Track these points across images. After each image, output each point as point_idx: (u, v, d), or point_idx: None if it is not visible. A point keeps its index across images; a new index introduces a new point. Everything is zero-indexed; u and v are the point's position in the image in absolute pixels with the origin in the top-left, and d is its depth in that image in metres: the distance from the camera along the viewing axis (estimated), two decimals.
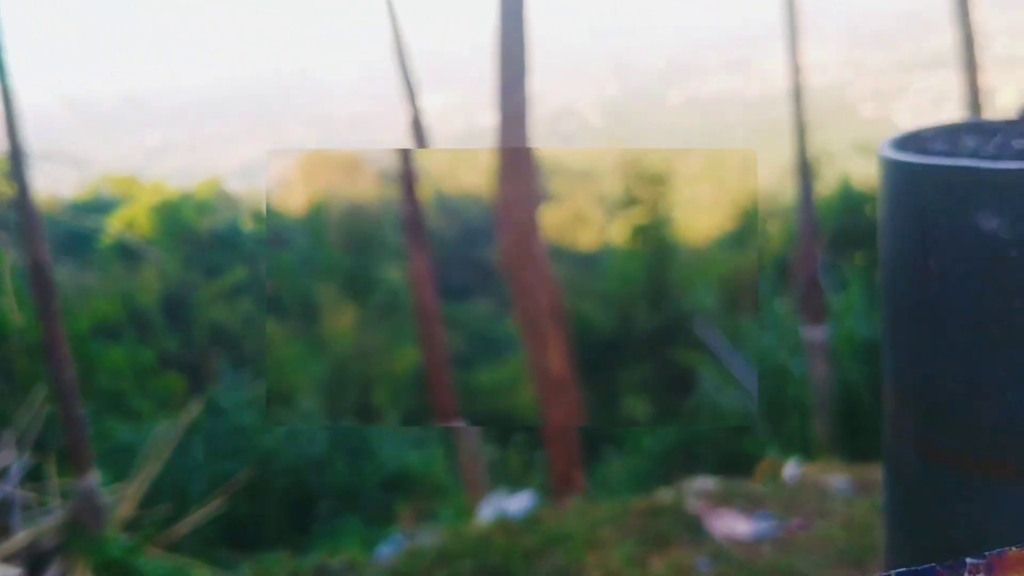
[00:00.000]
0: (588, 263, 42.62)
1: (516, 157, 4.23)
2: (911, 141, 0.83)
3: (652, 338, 23.07)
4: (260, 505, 9.69)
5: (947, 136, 0.82)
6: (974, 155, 0.74)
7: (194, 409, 10.31)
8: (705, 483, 4.80)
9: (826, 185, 25.03)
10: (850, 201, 24.35)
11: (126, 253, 18.30)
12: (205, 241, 35.90)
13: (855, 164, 26.88)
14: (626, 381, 22.86)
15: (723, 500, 4.58)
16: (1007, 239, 0.66)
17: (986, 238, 0.67)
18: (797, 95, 10.89)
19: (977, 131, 0.82)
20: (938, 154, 0.76)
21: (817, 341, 10.58)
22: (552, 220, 40.30)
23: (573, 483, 5.19)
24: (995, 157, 0.73)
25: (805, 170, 11.27)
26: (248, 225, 42.84)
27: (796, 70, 10.65)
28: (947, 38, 9.43)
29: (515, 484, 8.10)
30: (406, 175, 8.30)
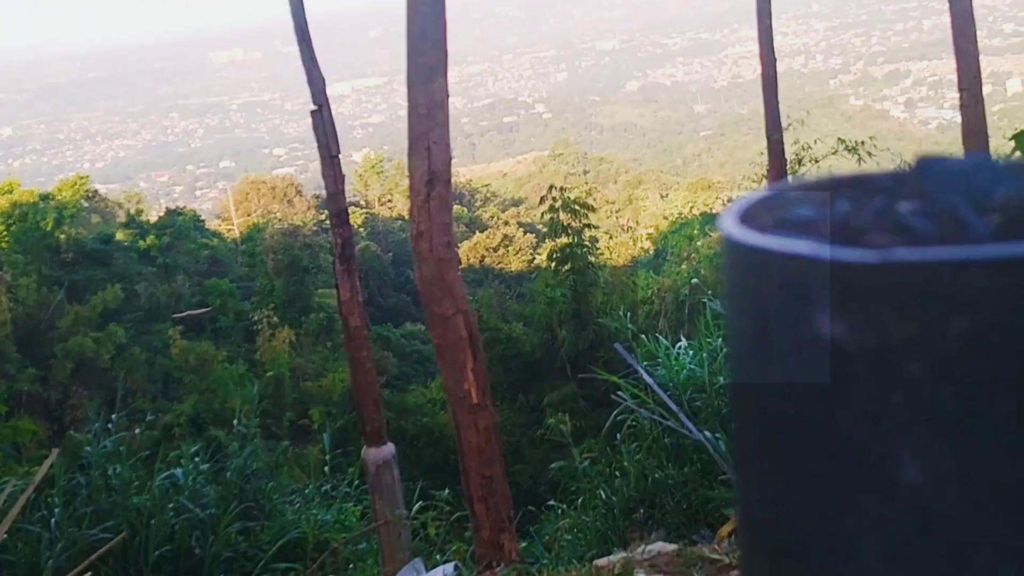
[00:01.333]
0: (515, 286, 43.65)
1: (432, 183, 4.66)
2: (767, 205, 0.72)
3: (575, 358, 24.00)
4: None
5: (818, 196, 0.72)
6: (842, 225, 0.65)
7: (51, 460, 10.03)
8: (663, 548, 4.78)
9: None
10: None
11: None
12: (69, 255, 35.34)
13: (841, 161, 27.42)
14: (551, 400, 23.82)
15: (682, 570, 4.55)
16: (854, 352, 0.59)
17: (830, 349, 0.60)
18: (771, 85, 11.03)
19: (858, 188, 0.72)
20: (791, 227, 0.66)
21: None
22: (482, 245, 41.08)
23: (503, 551, 5.32)
24: (863, 231, 0.63)
25: (779, 168, 11.42)
26: (124, 236, 42.24)
27: (770, 55, 10.79)
28: (946, 20, 9.64)
29: (440, 551, 8.05)
30: (336, 200, 8.63)
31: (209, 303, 37.51)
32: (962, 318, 0.56)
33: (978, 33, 9.03)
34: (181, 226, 46.03)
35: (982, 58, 9.10)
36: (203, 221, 54.53)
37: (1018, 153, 12.70)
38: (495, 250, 51.19)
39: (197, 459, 12.09)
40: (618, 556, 6.39)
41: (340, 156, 8.87)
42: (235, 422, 13.20)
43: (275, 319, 33.73)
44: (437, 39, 4.91)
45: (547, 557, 8.80)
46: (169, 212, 50.33)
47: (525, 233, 53.17)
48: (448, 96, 5.03)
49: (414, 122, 4.89)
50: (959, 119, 8.84)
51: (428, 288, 4.96)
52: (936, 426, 0.58)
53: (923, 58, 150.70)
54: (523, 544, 9.35)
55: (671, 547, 5.05)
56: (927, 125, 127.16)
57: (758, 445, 0.69)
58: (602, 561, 6.65)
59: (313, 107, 8.62)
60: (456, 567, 5.92)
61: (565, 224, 26.63)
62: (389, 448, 8.68)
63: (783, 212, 0.68)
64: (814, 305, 0.58)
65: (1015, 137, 12.67)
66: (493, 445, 5.19)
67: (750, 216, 0.69)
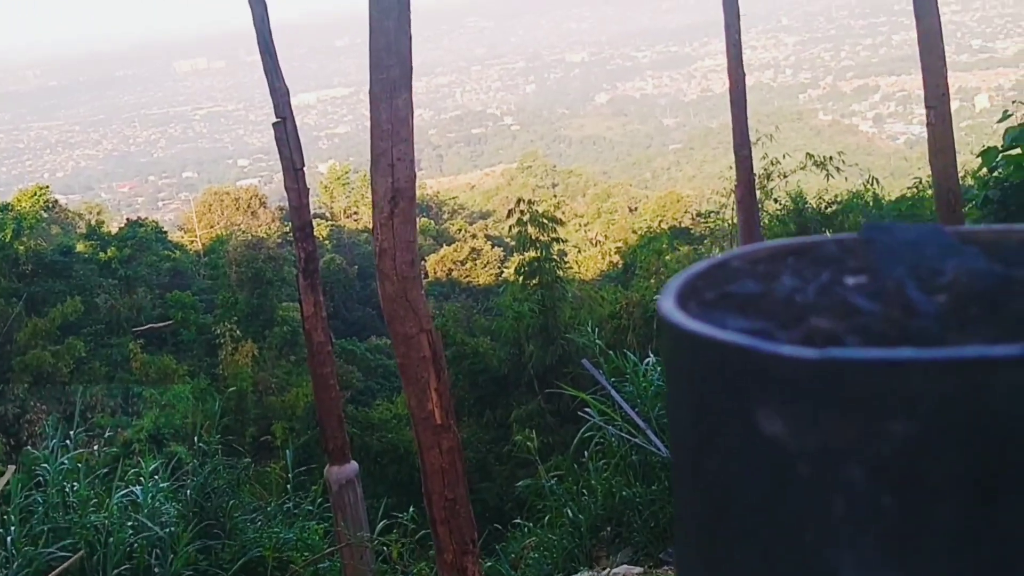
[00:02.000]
0: (483, 300, 43.74)
1: (396, 200, 4.66)
2: (711, 276, 0.69)
3: (542, 373, 24.06)
4: None
5: (764, 268, 0.69)
6: (786, 303, 0.62)
7: (7, 477, 9.91)
8: (628, 570, 4.78)
9: (777, 201, 25.76)
10: (804, 221, 25.10)
11: None
12: (28, 267, 34.99)
13: (810, 177, 27.61)
14: (518, 415, 23.86)
15: None
16: (793, 452, 0.57)
17: (770, 445, 0.58)
18: (739, 100, 11.10)
19: (804, 259, 0.69)
20: (734, 304, 0.64)
21: None
22: (450, 258, 41.15)
23: (466, 574, 5.30)
24: (808, 311, 0.61)
25: (747, 185, 11.49)
26: (84, 247, 41.93)
27: (739, 70, 10.85)
28: (915, 35, 9.72)
29: (403, 574, 8.02)
30: (300, 214, 8.60)
31: (170, 316, 37.23)
32: (904, 422, 0.54)
33: (946, 49, 9.12)
34: (143, 238, 45.64)
35: (950, 74, 9.18)
36: (165, 233, 54.10)
37: (984, 169, 12.80)
38: (462, 263, 51.17)
39: (157, 476, 11.99)
40: (585, 575, 6.38)
41: (305, 168, 8.85)
42: (196, 439, 13.11)
43: (238, 333, 33.52)
44: (401, 53, 4.89)
45: None
46: (130, 223, 49.87)
47: (493, 246, 53.18)
48: (412, 112, 5.01)
49: (377, 138, 4.88)
50: (927, 135, 8.91)
51: (391, 306, 4.94)
52: (879, 534, 0.56)
53: (892, 73, 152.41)
54: (488, 563, 9.32)
55: (636, 570, 5.04)
56: (895, 140, 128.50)
57: (698, 525, 0.65)
58: None
59: (276, 119, 8.59)
60: None
61: (533, 238, 26.67)
62: (352, 467, 8.64)
63: (727, 286, 0.65)
64: (752, 399, 0.55)
65: (982, 154, 12.78)
66: (457, 466, 5.18)
67: (693, 289, 0.66)
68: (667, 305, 0.65)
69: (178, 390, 28.39)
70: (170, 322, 37.02)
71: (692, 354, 0.61)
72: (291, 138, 8.50)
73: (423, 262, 50.86)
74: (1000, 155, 15.32)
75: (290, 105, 8.54)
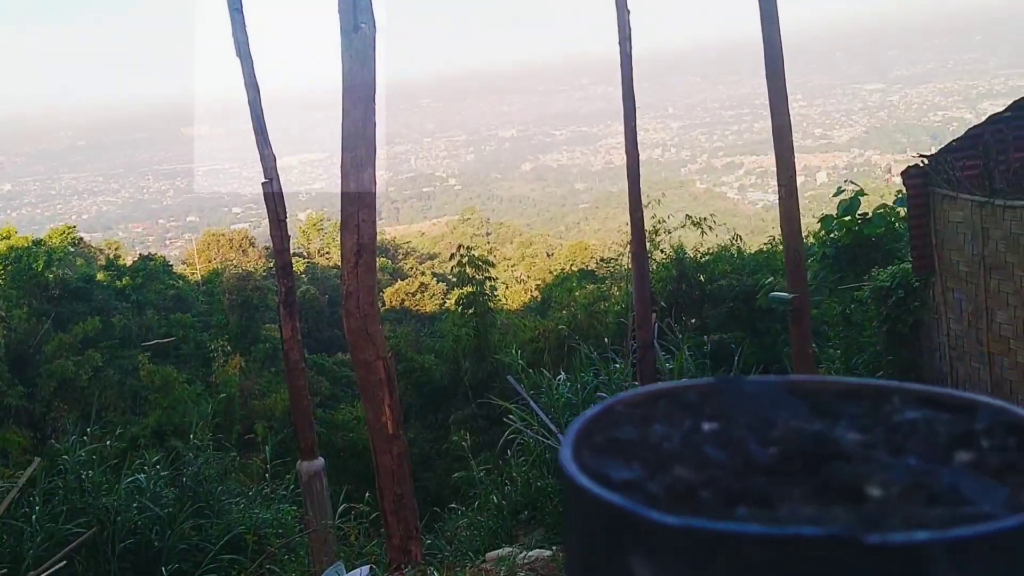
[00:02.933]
0: (429, 324, 43.46)
1: (360, 253, 4.69)
2: (599, 422, 0.69)
3: (476, 385, 23.97)
4: (102, 566, 9.07)
5: (641, 413, 0.69)
6: (657, 450, 0.62)
7: (34, 466, 9.60)
8: (540, 553, 4.73)
9: (663, 252, 26.02)
10: (683, 268, 25.40)
11: None
12: (56, 291, 34.03)
13: (689, 233, 27.98)
14: (455, 419, 23.70)
15: (556, 573, 4.52)
16: None
17: None
18: (634, 172, 11.26)
19: (673, 404, 0.69)
20: (616, 453, 0.63)
21: None
22: (403, 290, 40.75)
23: (410, 555, 5.26)
24: (673, 460, 0.61)
25: (640, 241, 11.63)
26: (103, 276, 40.93)
27: (634, 150, 11.02)
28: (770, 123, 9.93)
29: (358, 554, 7.92)
30: (282, 256, 8.55)
31: (173, 334, 36.56)
32: None
33: (794, 137, 9.35)
34: (152, 269, 44.91)
35: (797, 155, 9.39)
36: (171, 266, 53.08)
37: (823, 232, 13.05)
38: (413, 295, 50.97)
39: (158, 466, 11.69)
40: (506, 550, 6.34)
41: (287, 218, 8.77)
42: (191, 435, 12.83)
43: (228, 348, 32.97)
44: (367, 136, 4.91)
45: (448, 550, 8.70)
46: (142, 258, 49.03)
47: (438, 282, 53.05)
48: (375, 183, 5.03)
49: (346, 203, 4.89)
50: (779, 207, 9.10)
51: (354, 338, 4.96)
52: None
53: (753, 153, 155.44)
54: (429, 540, 9.23)
55: (547, 552, 5.02)
56: (755, 205, 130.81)
57: None
58: (492, 554, 6.59)
59: (265, 180, 8.52)
60: (371, 569, 5.82)
61: (470, 276, 26.62)
62: (319, 461, 8.55)
63: (613, 431, 0.65)
64: (627, 548, 0.55)
65: (821, 220, 13.08)
66: (404, 468, 5.16)
67: (587, 434, 0.65)
68: (565, 454, 0.64)
69: (178, 394, 27.86)
70: (173, 339, 36.36)
71: (582, 504, 0.60)
72: (276, 195, 8.44)
73: (381, 293, 50.76)
74: (835, 221, 15.73)
75: (276, 168, 8.49)
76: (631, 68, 10.06)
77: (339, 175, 5.44)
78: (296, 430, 8.86)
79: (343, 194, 4.96)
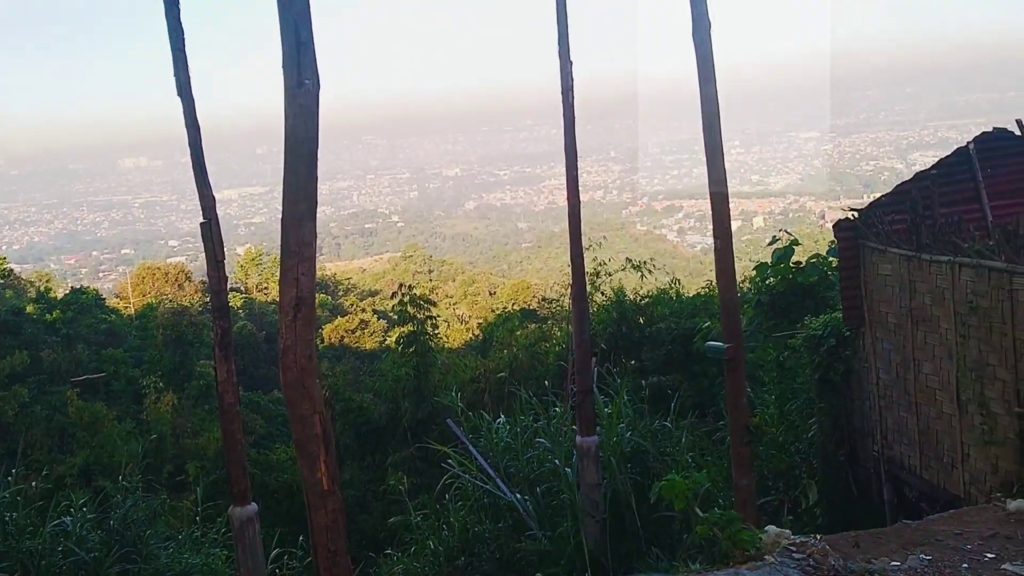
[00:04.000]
0: (369, 362, 42.81)
1: (299, 307, 4.70)
2: None
3: (415, 425, 23.76)
4: None
5: None
6: None
7: None
8: None
9: (603, 294, 26.25)
10: (623, 311, 25.66)
11: None
12: None
13: (629, 275, 28.33)
14: (393, 460, 23.44)
15: None
16: None
17: None
18: (575, 219, 11.37)
19: None
20: None
21: (589, 448, 10.92)
22: (342, 327, 40.27)
23: None
24: None
25: (580, 286, 11.73)
26: (33, 309, 39.84)
27: (575, 198, 11.15)
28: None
29: None
30: (218, 297, 8.44)
31: (104, 369, 35.70)
32: None
33: (731, 181, 9.56)
34: (84, 303, 43.93)
35: (735, 201, 9.64)
36: (104, 299, 51.96)
37: (759, 278, 13.30)
38: (353, 332, 50.54)
39: (85, 508, 11.36)
40: None
41: (225, 251, 8.69)
42: (120, 476, 12.48)
43: (161, 385, 32.24)
44: (308, 192, 4.94)
45: None
46: (74, 291, 47.95)
47: (378, 319, 52.73)
48: (315, 237, 5.06)
49: (286, 256, 4.91)
50: (714, 259, 9.26)
51: (290, 392, 4.95)
52: None
53: (692, 197, 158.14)
54: None
55: None
56: (694, 248, 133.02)
57: None
58: None
59: (203, 220, 8.44)
60: None
61: (411, 315, 26.47)
62: (252, 507, 8.39)
63: None
64: None
65: (756, 268, 13.35)
66: (339, 524, 5.13)
67: None
68: None
69: (107, 433, 27.17)
70: (103, 374, 35.52)
71: None
72: (215, 235, 8.38)
73: (320, 330, 50.23)
74: (770, 269, 16.08)
75: (215, 209, 8.43)
76: (573, 118, 10.24)
77: (278, 208, 5.47)
78: (229, 475, 8.68)
79: (283, 247, 4.97)
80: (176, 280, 56.74)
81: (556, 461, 11.27)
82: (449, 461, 12.30)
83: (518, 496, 11.28)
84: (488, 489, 11.62)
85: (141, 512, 11.53)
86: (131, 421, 29.61)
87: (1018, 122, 11.91)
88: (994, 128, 12.02)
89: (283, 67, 5.00)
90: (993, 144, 11.78)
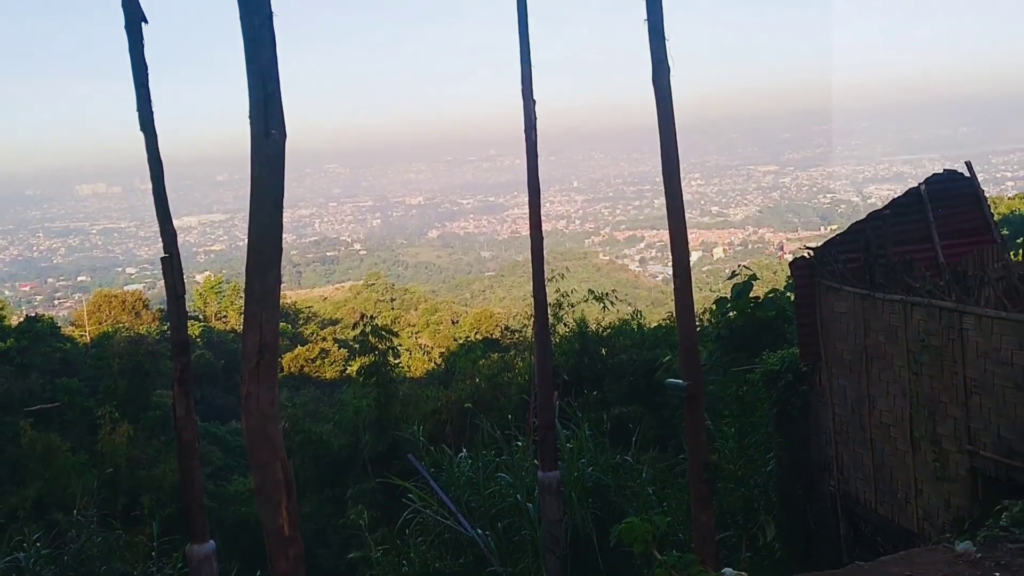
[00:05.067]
0: (329, 392, 42.19)
1: (263, 353, 4.71)
2: None
3: (376, 458, 23.56)
4: None
5: None
6: None
7: None
8: None
9: (566, 325, 26.37)
10: (586, 342, 25.78)
11: None
12: None
13: (591, 307, 28.45)
14: (352, 493, 23.18)
15: None
16: None
17: None
18: (538, 255, 11.46)
19: None
20: None
21: (551, 483, 10.94)
22: (302, 356, 39.81)
23: None
24: None
25: (543, 322, 11.80)
26: None
27: (538, 233, 11.26)
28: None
29: None
30: (178, 333, 8.37)
31: (58, 399, 34.98)
32: None
33: (691, 213, 9.78)
34: (39, 331, 43.07)
35: (696, 232, 9.83)
36: (59, 327, 51.02)
37: (719, 312, 13.45)
38: (313, 361, 50.15)
39: (39, 543, 11.14)
40: None
41: (185, 294, 8.65)
42: (75, 510, 12.26)
43: (116, 415, 31.68)
44: (273, 239, 4.96)
45: None
46: (29, 319, 47.06)
47: (339, 348, 52.37)
48: (280, 283, 5.07)
49: (250, 303, 4.92)
50: (674, 297, 9.36)
51: (252, 438, 4.95)
52: None
53: (653, 228, 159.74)
54: None
55: None
56: (655, 278, 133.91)
57: None
58: None
59: (164, 255, 8.40)
60: None
61: (373, 345, 26.34)
62: (210, 545, 8.30)
63: None
64: None
65: (716, 303, 13.52)
66: (300, 571, 5.10)
67: None
68: None
69: (61, 464, 26.64)
70: (57, 404, 34.81)
71: None
72: (175, 270, 8.34)
73: (280, 359, 49.76)
74: (729, 304, 16.32)
75: (176, 244, 8.39)
76: (536, 156, 10.36)
77: (239, 236, 5.49)
78: (186, 512, 8.58)
79: (247, 293, 4.98)
80: (133, 308, 55.94)
81: (518, 496, 11.28)
82: (410, 496, 12.26)
83: (479, 532, 11.26)
84: (449, 524, 11.58)
85: (96, 548, 11.34)
86: (85, 452, 29.07)
87: (967, 164, 12.25)
88: (944, 170, 12.35)
89: (250, 117, 5.05)
90: (944, 185, 12.09)
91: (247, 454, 5.17)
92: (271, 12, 4.98)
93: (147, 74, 8.37)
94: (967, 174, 12.27)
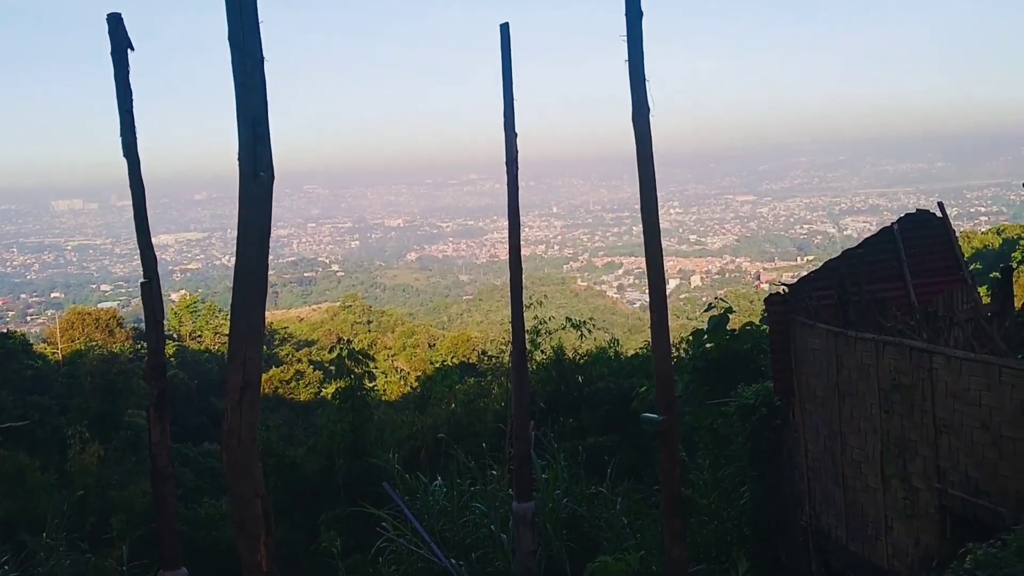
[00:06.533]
0: (303, 414, 41.74)
1: (245, 390, 4.76)
2: None
3: (349, 485, 23.36)
4: None
5: None
6: None
7: None
8: None
9: (543, 352, 26.43)
10: (562, 370, 25.84)
11: None
12: None
13: (569, 334, 28.52)
14: (325, 518, 22.98)
15: None
16: None
17: None
18: (516, 285, 11.56)
19: None
20: None
21: (526, 514, 10.97)
22: (277, 377, 39.40)
23: None
24: None
25: (520, 352, 11.88)
26: None
27: (518, 268, 11.35)
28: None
29: None
30: (156, 356, 8.37)
31: (28, 417, 34.52)
32: None
33: (670, 241, 9.96)
34: (10, 347, 42.56)
35: (674, 260, 9.99)
36: (31, 344, 50.49)
37: (696, 343, 13.55)
38: (287, 382, 49.81)
39: (6, 566, 11.01)
40: None
41: (164, 318, 8.65)
42: (44, 533, 12.13)
43: (87, 434, 31.32)
44: (259, 275, 5.02)
45: None
46: (0, 335, 46.53)
47: (314, 370, 52.09)
48: (264, 321, 5.13)
49: (234, 340, 4.98)
50: (650, 330, 9.46)
51: (232, 474, 4.99)
52: None
53: (632, 254, 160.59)
54: None
55: None
56: (633, 304, 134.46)
57: None
58: None
59: (144, 280, 8.41)
60: None
61: (349, 368, 26.24)
62: (183, 572, 8.27)
63: None
64: None
65: (692, 334, 13.64)
66: None
67: None
68: None
69: (30, 484, 26.29)
70: (27, 422, 34.35)
71: None
72: (155, 296, 8.35)
73: None
74: (705, 335, 16.46)
75: (156, 270, 8.41)
76: (517, 189, 10.48)
77: (216, 255, 5.56)
78: (159, 538, 8.55)
79: (231, 330, 5.04)
80: (107, 326, 55.44)
81: (492, 527, 11.29)
82: (384, 525, 12.23)
83: (453, 562, 11.26)
84: (422, 554, 11.57)
85: (65, 572, 11.24)
86: (54, 472, 28.70)
87: (939, 205, 12.49)
88: (918, 209, 12.59)
89: (239, 157, 5.13)
90: (916, 225, 12.33)
91: (227, 488, 5.19)
92: (262, 57, 5.08)
93: (131, 100, 8.41)
94: (939, 214, 12.52)
